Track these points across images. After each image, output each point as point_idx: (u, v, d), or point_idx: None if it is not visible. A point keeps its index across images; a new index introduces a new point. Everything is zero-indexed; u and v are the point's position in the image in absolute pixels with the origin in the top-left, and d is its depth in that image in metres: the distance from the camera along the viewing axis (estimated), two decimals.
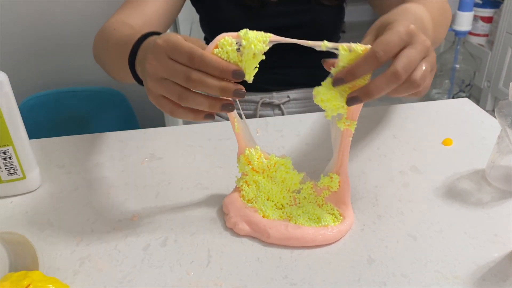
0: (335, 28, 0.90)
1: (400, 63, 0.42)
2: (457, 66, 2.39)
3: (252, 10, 0.83)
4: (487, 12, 2.40)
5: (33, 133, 0.65)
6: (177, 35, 0.46)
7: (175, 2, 0.79)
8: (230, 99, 0.46)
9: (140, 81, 0.53)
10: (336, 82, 0.46)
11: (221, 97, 0.46)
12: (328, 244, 0.49)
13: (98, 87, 1.10)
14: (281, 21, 0.84)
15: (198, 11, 0.90)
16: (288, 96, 0.93)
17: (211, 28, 0.89)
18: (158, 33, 0.52)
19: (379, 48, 0.43)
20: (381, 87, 0.43)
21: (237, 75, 0.45)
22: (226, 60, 0.45)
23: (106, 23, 0.71)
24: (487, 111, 0.76)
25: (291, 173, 0.53)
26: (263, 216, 0.51)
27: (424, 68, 0.44)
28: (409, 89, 0.44)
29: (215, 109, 0.46)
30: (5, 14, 1.03)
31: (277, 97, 0.92)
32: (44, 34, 1.07)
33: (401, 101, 2.60)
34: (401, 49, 0.44)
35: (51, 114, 1.07)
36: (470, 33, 2.45)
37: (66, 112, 1.08)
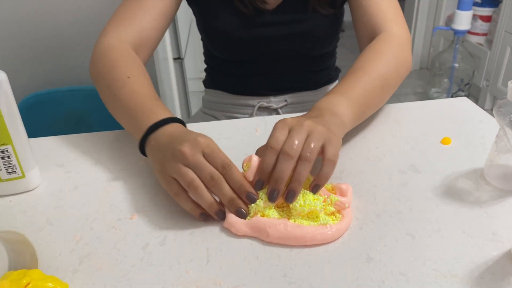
0: (332, 36, 0.90)
1: (285, 145, 0.51)
2: (456, 65, 2.39)
3: (247, 18, 0.82)
4: (486, 11, 2.40)
5: (32, 132, 0.65)
6: (213, 141, 0.53)
7: (168, 10, 0.77)
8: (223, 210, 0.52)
9: (142, 151, 0.59)
10: (258, 187, 0.53)
11: (226, 205, 0.52)
12: (327, 243, 0.50)
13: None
14: (277, 29, 0.83)
15: (194, 14, 0.89)
16: (286, 100, 0.93)
17: (207, 34, 0.88)
18: (179, 120, 0.59)
19: (269, 141, 0.52)
20: (281, 169, 0.50)
21: (250, 198, 0.51)
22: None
23: (111, 45, 0.70)
24: (485, 110, 0.77)
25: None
26: (261, 215, 0.52)
27: (308, 142, 0.51)
28: (306, 164, 0.50)
29: (212, 210, 0.52)
30: (5, 13, 1.03)
31: (274, 101, 0.93)
32: (43, 33, 1.07)
33: (399, 100, 2.61)
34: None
35: (50, 113, 1.07)
36: (469, 32, 2.46)
37: (65, 111, 1.08)
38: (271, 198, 0.51)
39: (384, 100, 0.71)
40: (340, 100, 0.61)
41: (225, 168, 0.51)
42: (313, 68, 0.91)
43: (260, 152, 0.55)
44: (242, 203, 0.52)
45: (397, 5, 0.77)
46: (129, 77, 0.65)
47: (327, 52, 0.91)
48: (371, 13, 0.76)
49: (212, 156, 0.51)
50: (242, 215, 0.51)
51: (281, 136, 0.52)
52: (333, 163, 0.52)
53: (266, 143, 0.52)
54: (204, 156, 0.51)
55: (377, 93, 0.67)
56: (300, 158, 0.50)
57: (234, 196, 0.51)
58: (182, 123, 0.59)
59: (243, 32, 0.82)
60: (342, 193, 0.54)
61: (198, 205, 0.52)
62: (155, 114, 0.58)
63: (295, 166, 0.51)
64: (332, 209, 0.52)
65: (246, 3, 0.80)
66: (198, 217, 0.53)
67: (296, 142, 0.50)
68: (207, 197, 0.51)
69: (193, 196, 0.52)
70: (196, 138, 0.52)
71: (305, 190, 0.52)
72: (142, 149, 0.59)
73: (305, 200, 0.51)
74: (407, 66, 0.73)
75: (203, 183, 0.51)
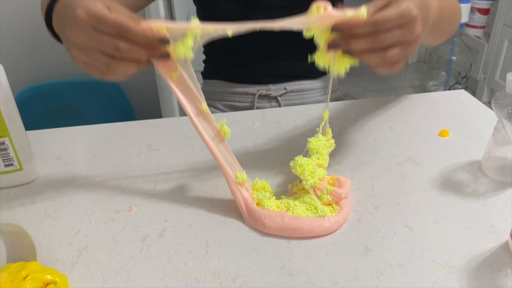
0: None
1: (383, 22, 0.45)
2: (454, 58, 2.39)
3: (249, 2, 0.82)
4: (484, 4, 2.40)
5: (29, 125, 0.64)
6: (97, 4, 0.45)
7: None
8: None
9: (59, 39, 0.52)
10: (332, 47, 0.48)
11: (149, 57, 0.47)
12: (325, 235, 0.50)
13: (93, 78, 1.10)
14: (279, 13, 0.83)
15: (194, 3, 0.89)
16: (285, 88, 0.92)
17: (207, 20, 0.88)
18: None
19: (379, 19, 0.45)
20: (359, 43, 0.46)
21: (164, 41, 0.46)
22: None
23: None
24: (483, 103, 0.77)
25: (318, 170, 0.54)
26: (257, 204, 0.52)
27: (399, 49, 0.46)
28: (379, 57, 0.47)
29: (152, 56, 0.47)
30: (2, 6, 1.02)
31: (274, 89, 0.92)
32: (40, 25, 1.07)
33: (398, 93, 2.61)
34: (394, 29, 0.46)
35: (47, 106, 1.07)
36: (467, 25, 2.45)
37: (62, 103, 1.07)
38: (331, 47, 0.48)
39: (449, 32, 0.68)
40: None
41: (120, 32, 0.44)
42: (310, 55, 0.91)
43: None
44: (159, 46, 0.46)
45: None
46: None
47: None
48: None
49: (100, 27, 0.44)
50: (166, 55, 0.47)
51: (391, 24, 0.45)
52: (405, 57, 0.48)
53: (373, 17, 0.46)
54: (96, 29, 0.45)
55: (450, 18, 0.65)
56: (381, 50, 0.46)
57: (150, 33, 0.45)
58: None
59: (244, 16, 0.82)
60: (340, 185, 0.54)
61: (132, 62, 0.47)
62: None
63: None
64: (329, 198, 0.52)
65: None
66: (156, 58, 0.48)
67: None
68: (130, 64, 0.46)
69: (118, 73, 0.47)
70: (77, 16, 0.44)
71: (316, 166, 0.53)
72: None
73: (315, 172, 0.52)
74: (460, 16, 0.71)
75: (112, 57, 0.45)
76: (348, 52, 0.48)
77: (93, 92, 1.08)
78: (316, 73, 0.94)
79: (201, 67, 1.02)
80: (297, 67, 0.92)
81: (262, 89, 0.92)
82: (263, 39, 0.86)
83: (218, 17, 0.83)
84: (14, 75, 0.71)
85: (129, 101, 1.13)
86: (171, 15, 1.67)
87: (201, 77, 1.03)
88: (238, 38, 0.87)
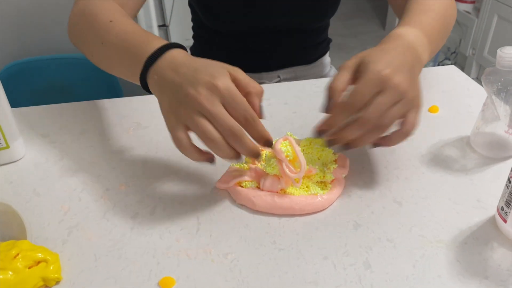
0: (333, 6, 0.87)
1: (367, 111, 0.45)
2: None
3: None
4: None
5: (14, 102, 0.63)
6: (229, 80, 0.45)
7: None
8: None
9: (146, 88, 0.51)
10: (330, 145, 0.49)
11: (246, 156, 0.47)
12: (316, 212, 0.50)
13: (80, 54, 1.07)
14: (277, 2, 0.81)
15: None
16: (279, 76, 0.91)
17: (199, 4, 0.85)
18: (179, 45, 0.51)
19: (352, 99, 0.46)
20: (352, 133, 0.46)
21: (267, 144, 0.47)
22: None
23: (87, 2, 0.63)
24: (472, 79, 0.77)
25: (326, 150, 0.54)
26: (238, 184, 0.52)
27: (393, 113, 0.46)
28: (379, 133, 0.47)
29: (227, 156, 0.46)
30: None
31: (267, 77, 0.91)
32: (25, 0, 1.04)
33: None
34: (376, 94, 0.45)
35: (32, 82, 1.05)
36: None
37: (48, 80, 1.05)
38: (328, 144, 0.49)
39: (443, 42, 0.65)
40: (419, 35, 0.54)
41: (247, 120, 0.45)
42: (307, 43, 0.90)
43: (331, 106, 0.48)
44: (260, 150, 0.47)
45: None
46: (111, 21, 0.58)
47: (323, 24, 0.90)
48: None
49: (233, 105, 0.44)
50: (258, 159, 0.47)
51: (367, 94, 0.45)
52: (408, 135, 0.48)
53: (349, 97, 0.46)
54: (223, 104, 0.44)
55: (441, 31, 0.61)
56: (377, 125, 0.46)
57: (257, 149, 0.46)
58: (183, 47, 0.52)
59: (238, 2, 0.79)
60: (341, 163, 0.55)
61: (203, 153, 0.48)
62: (151, 44, 0.51)
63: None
64: (332, 177, 0.52)
65: None
66: (206, 161, 0.48)
67: (382, 110, 0.45)
68: (225, 152, 0.45)
69: (209, 148, 0.46)
70: (213, 80, 0.44)
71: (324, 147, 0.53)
72: (146, 87, 0.51)
73: (324, 150, 0.54)
74: (454, 16, 0.67)
75: (222, 135, 0.45)
76: (350, 144, 0.48)
77: (81, 68, 1.06)
78: (310, 60, 0.93)
79: (190, 42, 1.00)
80: (291, 56, 0.90)
81: (255, 77, 0.91)
82: (259, 27, 0.85)
83: (218, 4, 0.81)
84: None
85: (116, 76, 1.11)
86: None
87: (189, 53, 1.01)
88: (234, 25, 0.85)
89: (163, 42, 0.51)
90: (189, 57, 0.49)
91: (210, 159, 0.48)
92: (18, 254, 0.41)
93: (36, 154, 0.61)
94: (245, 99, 0.45)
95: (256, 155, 0.46)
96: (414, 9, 0.59)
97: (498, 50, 0.51)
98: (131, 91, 1.17)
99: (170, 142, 0.47)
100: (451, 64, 2.32)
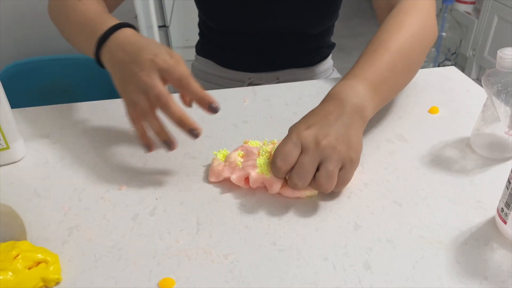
0: (334, 12, 0.87)
1: (293, 173, 0.48)
2: (444, 34, 2.38)
3: None
4: None
5: (15, 102, 0.63)
6: (169, 57, 0.52)
7: None
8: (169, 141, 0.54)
9: (101, 64, 0.57)
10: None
11: (176, 125, 0.52)
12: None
13: (81, 54, 1.07)
14: (278, 4, 0.81)
15: None
16: (277, 78, 0.91)
17: (202, 4, 0.85)
18: (128, 25, 0.56)
19: (278, 161, 0.49)
20: (288, 194, 0.52)
21: (213, 109, 0.52)
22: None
23: None
24: (472, 79, 0.77)
25: None
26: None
27: (325, 171, 0.48)
28: (319, 189, 0.49)
29: (160, 137, 0.53)
30: None
31: (266, 78, 0.91)
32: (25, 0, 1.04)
33: None
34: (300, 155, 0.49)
35: (33, 83, 1.04)
36: (457, 0, 2.44)
37: (48, 80, 1.05)
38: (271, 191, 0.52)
39: (408, 81, 0.64)
40: (361, 89, 0.54)
41: (181, 81, 0.51)
42: (309, 46, 0.89)
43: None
44: (191, 122, 0.52)
45: None
46: (80, 0, 0.64)
47: (325, 29, 0.90)
48: None
49: (170, 71, 0.51)
50: (195, 135, 0.52)
51: (292, 155, 0.48)
52: (342, 186, 0.50)
53: (274, 153, 0.50)
54: (160, 76, 0.51)
55: (400, 73, 0.60)
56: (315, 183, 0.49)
57: (184, 115, 0.51)
58: (133, 27, 0.57)
59: (241, 3, 0.79)
60: None
61: (147, 135, 0.54)
62: (104, 24, 0.57)
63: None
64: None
65: None
66: (144, 144, 0.54)
67: (307, 168, 0.48)
68: (155, 125, 0.52)
69: (146, 121, 0.53)
70: (155, 58, 0.51)
71: None
72: (101, 64, 0.58)
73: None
74: (432, 37, 0.65)
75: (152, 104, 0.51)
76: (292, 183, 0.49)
77: (81, 68, 1.06)
78: (310, 63, 0.93)
79: (189, 43, 1.00)
80: (292, 58, 0.90)
81: (254, 78, 0.91)
82: (261, 28, 0.85)
83: (215, 3, 0.81)
84: None
85: None
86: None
87: (189, 54, 1.01)
88: (235, 25, 0.85)
89: (115, 22, 0.57)
90: (135, 36, 0.55)
91: (148, 145, 0.54)
92: (18, 255, 0.41)
93: (37, 155, 0.61)
94: (180, 68, 0.51)
95: (182, 122, 0.51)
96: (372, 49, 0.60)
97: (498, 51, 0.51)
98: None
99: None
100: (451, 65, 2.32)
